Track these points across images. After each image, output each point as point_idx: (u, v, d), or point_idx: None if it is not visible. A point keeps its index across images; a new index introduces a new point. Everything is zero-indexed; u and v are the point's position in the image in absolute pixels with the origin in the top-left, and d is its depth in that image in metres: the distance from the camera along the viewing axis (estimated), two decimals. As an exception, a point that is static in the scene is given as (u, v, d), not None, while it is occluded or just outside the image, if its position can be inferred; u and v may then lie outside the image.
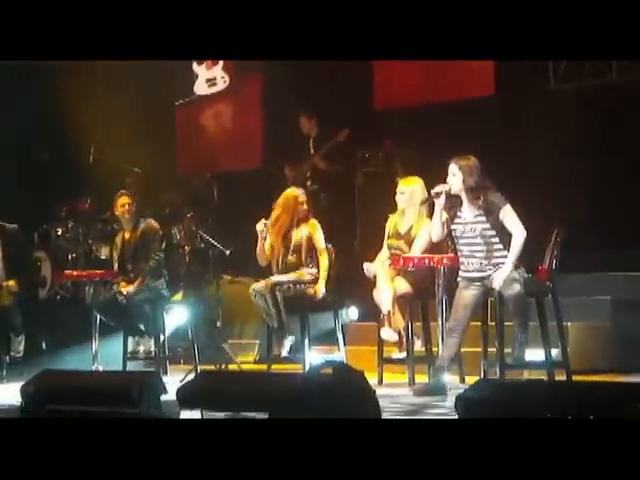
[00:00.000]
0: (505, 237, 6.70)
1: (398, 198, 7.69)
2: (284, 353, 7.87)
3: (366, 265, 7.62)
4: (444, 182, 6.85)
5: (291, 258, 8.05)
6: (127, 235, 8.71)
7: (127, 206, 8.67)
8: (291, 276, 7.97)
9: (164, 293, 8.56)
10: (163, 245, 8.83)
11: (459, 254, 6.88)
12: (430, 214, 7.44)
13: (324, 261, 7.97)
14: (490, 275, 6.70)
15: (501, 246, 6.71)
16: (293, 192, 8.20)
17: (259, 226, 7.90)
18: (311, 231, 8.04)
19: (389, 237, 7.75)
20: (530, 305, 6.80)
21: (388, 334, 7.41)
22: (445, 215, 6.88)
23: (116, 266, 8.72)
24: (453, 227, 6.87)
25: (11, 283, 9.04)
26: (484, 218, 6.73)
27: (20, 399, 5.11)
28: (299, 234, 8.06)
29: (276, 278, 7.93)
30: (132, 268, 8.60)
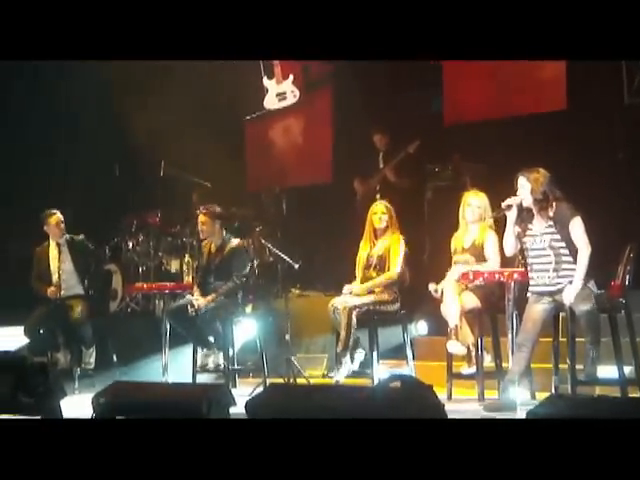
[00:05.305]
0: (574, 249, 6.61)
1: (467, 211, 7.64)
2: (354, 368, 7.85)
3: (431, 286, 7.57)
4: (515, 196, 6.80)
5: (369, 271, 8.03)
6: (214, 249, 8.73)
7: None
8: (371, 297, 7.93)
9: (235, 311, 8.56)
10: (248, 268, 8.80)
11: (529, 268, 6.81)
12: (494, 226, 7.40)
13: (389, 273, 7.94)
14: (559, 289, 6.63)
15: (570, 259, 6.62)
16: (373, 205, 8.25)
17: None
18: (388, 245, 8.02)
19: (454, 253, 7.71)
20: (602, 321, 6.71)
21: (455, 347, 7.36)
22: (517, 229, 6.82)
23: (191, 277, 8.71)
24: (524, 240, 6.81)
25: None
26: (554, 229, 6.66)
27: (91, 410, 5.17)
28: (378, 248, 8.05)
29: (356, 300, 7.88)
30: (213, 281, 8.61)
